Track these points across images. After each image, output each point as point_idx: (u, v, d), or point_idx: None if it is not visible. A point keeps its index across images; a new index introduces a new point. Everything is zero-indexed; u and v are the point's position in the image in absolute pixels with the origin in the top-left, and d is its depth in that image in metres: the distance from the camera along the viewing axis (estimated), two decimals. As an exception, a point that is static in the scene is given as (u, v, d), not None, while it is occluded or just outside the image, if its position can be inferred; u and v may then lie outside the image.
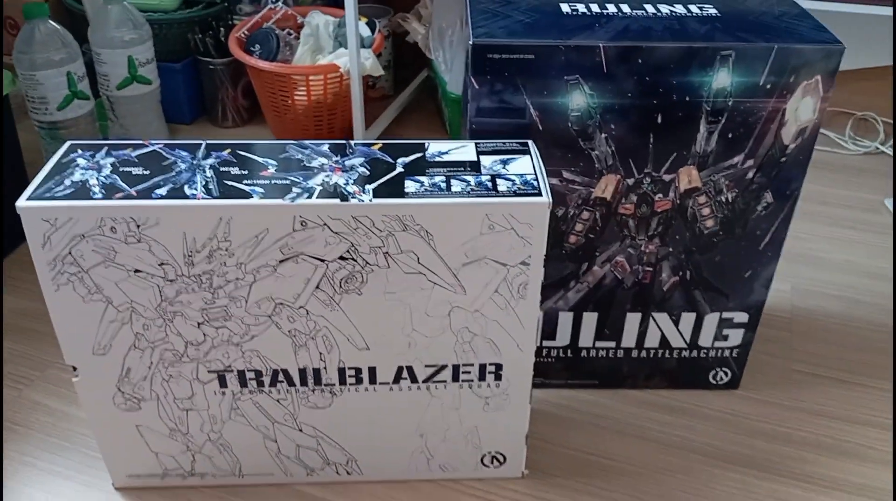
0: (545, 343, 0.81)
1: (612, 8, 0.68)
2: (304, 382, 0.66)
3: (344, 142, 0.63)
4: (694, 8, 0.69)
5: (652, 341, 0.80)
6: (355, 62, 1.19)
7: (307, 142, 0.63)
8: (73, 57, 1.10)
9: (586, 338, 0.80)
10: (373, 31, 1.32)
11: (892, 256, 1.07)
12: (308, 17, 1.33)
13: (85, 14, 1.29)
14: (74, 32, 1.13)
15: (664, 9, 0.68)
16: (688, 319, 0.78)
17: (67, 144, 0.63)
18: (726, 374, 0.83)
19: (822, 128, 1.37)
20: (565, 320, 0.78)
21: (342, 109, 1.30)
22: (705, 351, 0.81)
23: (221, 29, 1.34)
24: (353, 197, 0.56)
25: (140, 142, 0.63)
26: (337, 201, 0.56)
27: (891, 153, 1.32)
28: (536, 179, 0.59)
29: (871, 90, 1.41)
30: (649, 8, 0.69)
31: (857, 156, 1.33)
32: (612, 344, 0.81)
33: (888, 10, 1.21)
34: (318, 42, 1.31)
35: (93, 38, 1.18)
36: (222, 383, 0.66)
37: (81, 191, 0.57)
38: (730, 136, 0.66)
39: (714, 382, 0.84)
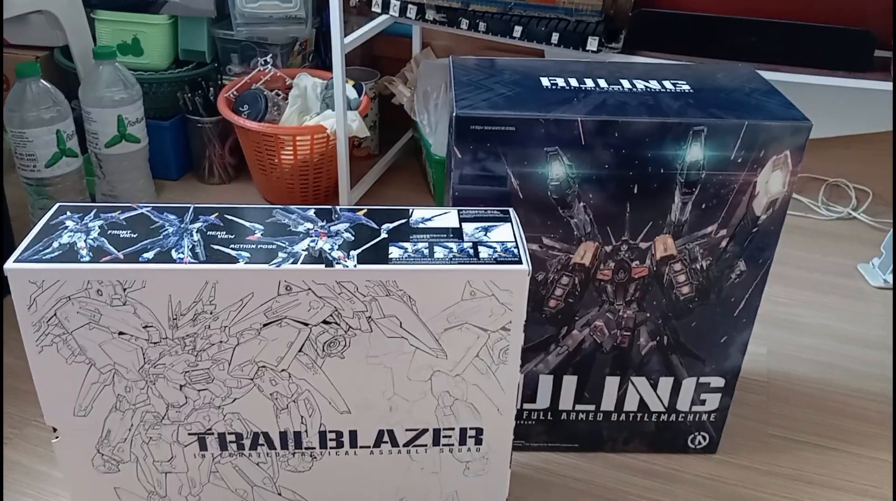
0: (525, 406, 0.81)
1: (589, 83, 0.71)
2: (284, 445, 0.66)
3: (329, 207, 0.65)
4: (668, 84, 0.72)
5: (631, 404, 0.81)
6: (342, 123, 1.22)
7: (293, 207, 0.64)
8: (63, 115, 1.11)
9: (566, 401, 0.81)
10: (359, 93, 1.35)
11: (892, 315, 1.09)
12: (296, 79, 1.36)
13: (76, 72, 1.31)
14: (65, 90, 1.15)
15: (640, 84, 0.71)
16: (666, 383, 0.79)
17: (56, 205, 0.64)
18: (704, 438, 0.84)
19: (796, 194, 1.41)
20: (545, 383, 0.79)
21: (328, 168, 1.32)
22: (683, 415, 0.82)
23: (211, 88, 1.37)
24: (337, 263, 0.58)
25: (129, 205, 0.64)
26: (322, 266, 0.57)
27: (862, 219, 1.36)
28: (517, 247, 0.60)
29: (843, 157, 1.46)
30: (625, 83, 0.71)
31: (830, 221, 1.36)
32: (592, 407, 0.81)
33: (858, 82, 1.26)
34: (306, 103, 1.34)
35: (83, 97, 1.19)
36: (202, 445, 0.66)
37: (69, 253, 0.58)
38: (703, 206, 0.68)
39: (692, 446, 0.85)
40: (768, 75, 0.75)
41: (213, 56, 1.43)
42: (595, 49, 1.13)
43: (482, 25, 1.18)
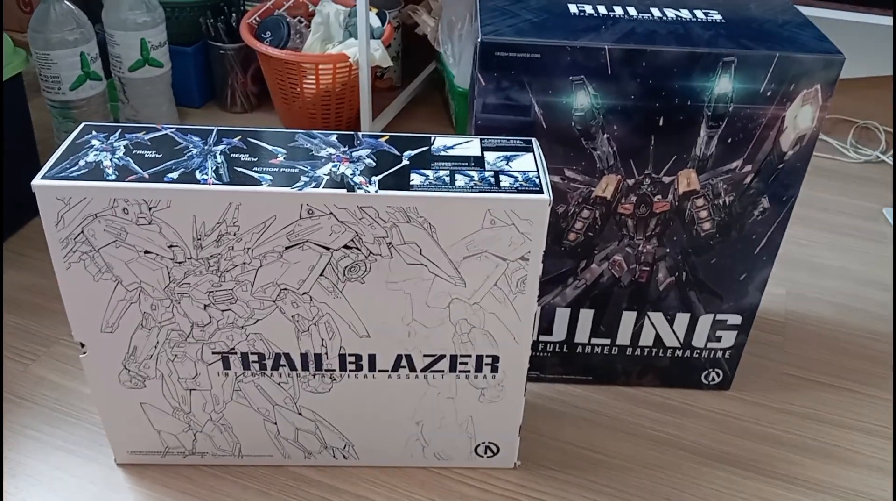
0: (542, 338, 0.82)
1: (618, 10, 0.70)
2: (305, 367, 0.68)
3: (352, 133, 0.65)
4: (699, 13, 0.70)
5: (646, 339, 0.82)
6: (365, 52, 1.21)
7: (316, 132, 0.64)
8: (86, 38, 1.11)
9: (582, 334, 0.82)
10: (383, 22, 1.33)
11: (893, 263, 1.09)
12: (319, 5, 1.34)
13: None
14: (88, 13, 1.14)
15: (670, 13, 0.70)
16: (682, 319, 0.80)
17: (82, 125, 0.65)
18: (718, 375, 0.85)
19: (824, 135, 1.38)
20: (562, 315, 0.80)
21: (350, 98, 1.31)
22: (698, 352, 0.83)
23: (233, 14, 1.35)
24: (359, 188, 0.58)
25: (153, 126, 0.65)
26: (343, 191, 0.58)
27: (891, 163, 1.33)
28: (538, 177, 0.60)
29: (874, 99, 1.42)
30: (655, 12, 0.70)
31: (857, 164, 1.34)
32: (608, 341, 0.82)
33: (892, 20, 1.22)
34: (329, 31, 1.32)
35: (106, 20, 1.19)
36: (226, 364, 0.67)
37: (95, 172, 0.59)
38: (729, 141, 0.67)
39: (706, 382, 0.86)
40: (805, 10, 0.73)
41: (235, -19, 1.41)
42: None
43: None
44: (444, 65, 1.37)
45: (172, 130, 0.64)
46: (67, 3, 1.09)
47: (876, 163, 1.34)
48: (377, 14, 1.33)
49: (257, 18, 1.33)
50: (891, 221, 1.18)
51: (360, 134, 0.65)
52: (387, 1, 1.49)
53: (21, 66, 1.02)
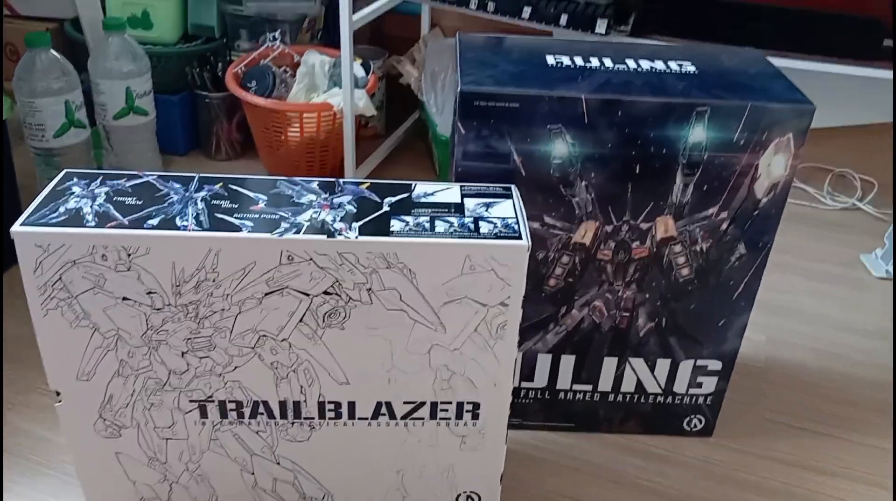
0: (523, 384, 0.82)
1: (595, 62, 0.71)
2: (283, 415, 0.67)
3: (333, 180, 0.65)
4: (673, 65, 0.72)
5: (628, 385, 0.82)
6: (349, 101, 1.22)
7: (297, 178, 0.65)
8: (71, 86, 1.12)
9: (564, 381, 0.81)
10: (367, 72, 1.35)
11: (893, 303, 1.10)
12: (304, 56, 1.36)
13: (86, 43, 1.31)
14: (74, 61, 1.15)
15: (645, 65, 0.71)
16: (663, 365, 0.80)
17: (63, 171, 0.65)
18: (700, 421, 0.85)
19: (801, 183, 1.41)
20: (544, 361, 0.80)
21: (334, 146, 1.33)
22: (680, 398, 0.83)
23: (219, 64, 1.37)
24: (339, 234, 0.58)
25: (134, 173, 0.65)
26: (323, 237, 0.58)
27: (867, 210, 1.36)
28: (517, 223, 0.61)
29: (848, 147, 1.45)
30: (631, 63, 0.72)
31: (834, 211, 1.36)
32: (589, 388, 0.82)
33: (867, 71, 1.25)
34: (314, 81, 1.34)
35: (92, 69, 1.20)
36: (203, 413, 0.67)
37: (75, 218, 0.59)
38: (705, 188, 0.68)
39: (688, 428, 0.85)
40: (777, 62, 0.75)
41: (222, 32, 1.43)
42: (604, 32, 1.13)
43: (491, 5, 1.18)
44: (428, 114, 1.39)
45: (154, 177, 0.64)
46: (53, 52, 1.11)
47: (852, 210, 1.37)
48: (361, 64, 1.36)
49: (243, 68, 1.35)
50: (868, 267, 1.20)
51: (341, 181, 0.65)
52: (371, 51, 1.52)
53: (6, 113, 1.02)
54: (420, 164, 1.48)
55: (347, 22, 1.16)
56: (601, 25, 1.14)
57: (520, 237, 0.59)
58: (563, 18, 1.15)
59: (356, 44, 1.20)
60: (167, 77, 1.36)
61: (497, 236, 0.59)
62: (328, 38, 1.52)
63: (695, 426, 0.85)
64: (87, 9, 1.29)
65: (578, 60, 0.72)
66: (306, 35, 1.48)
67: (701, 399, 0.83)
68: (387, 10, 1.32)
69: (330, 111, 1.26)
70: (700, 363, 0.80)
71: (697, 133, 0.66)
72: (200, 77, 1.36)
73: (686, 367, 0.80)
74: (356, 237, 0.58)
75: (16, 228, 0.57)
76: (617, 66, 0.71)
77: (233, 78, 1.32)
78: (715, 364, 0.80)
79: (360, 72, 1.33)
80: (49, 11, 1.44)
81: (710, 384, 0.81)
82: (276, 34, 1.41)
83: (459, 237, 0.59)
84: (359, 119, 1.44)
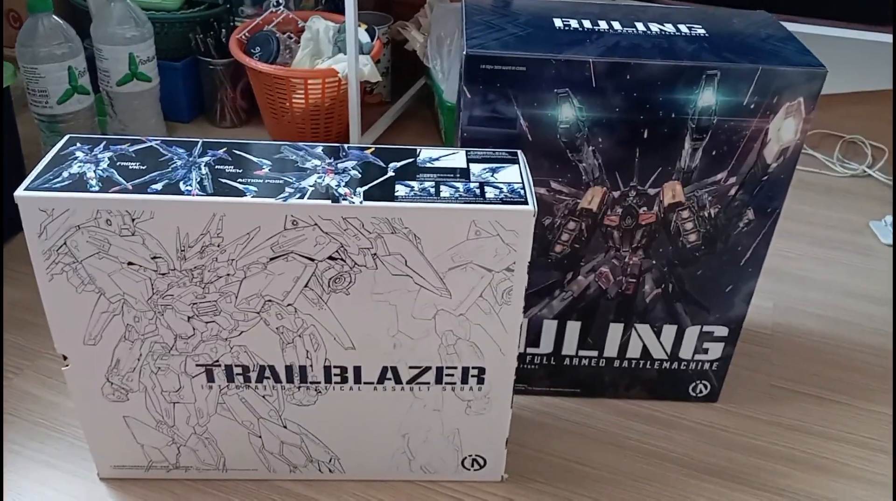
0: (529, 350, 0.82)
1: (603, 25, 0.70)
2: (290, 379, 0.67)
3: (338, 145, 0.65)
4: (683, 28, 0.70)
5: (634, 351, 0.82)
6: (353, 67, 1.21)
7: (301, 144, 0.64)
8: (74, 52, 1.11)
9: (569, 346, 0.82)
10: (372, 37, 1.34)
11: (893, 272, 1.09)
12: (309, 21, 1.34)
13: (88, 10, 1.30)
14: (77, 27, 1.14)
15: (654, 27, 0.70)
16: (669, 331, 0.80)
17: (67, 137, 0.65)
18: (706, 387, 0.85)
19: (811, 150, 1.40)
20: (549, 327, 0.80)
21: (339, 113, 1.32)
22: (685, 364, 0.83)
23: (223, 30, 1.36)
24: (343, 199, 0.58)
25: (138, 138, 0.64)
26: (328, 201, 0.58)
27: (877, 177, 1.34)
28: (523, 188, 0.60)
29: (860, 114, 1.44)
30: (640, 26, 0.70)
31: (844, 178, 1.35)
32: (595, 354, 0.82)
33: (879, 36, 1.23)
34: (318, 47, 1.33)
35: (95, 34, 1.19)
36: (210, 377, 0.67)
37: (79, 183, 0.58)
38: (713, 153, 0.68)
39: (694, 394, 0.86)
40: (789, 26, 0.74)
41: (225, -3, 1.41)
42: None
43: (498, -31, 1.16)
44: (434, 80, 1.38)
45: (157, 142, 0.64)
46: (56, 17, 1.09)
47: (862, 177, 1.35)
48: (366, 30, 1.34)
49: (247, 34, 1.33)
50: (877, 233, 1.19)
51: (345, 146, 0.65)
52: (376, 17, 1.50)
53: (10, 80, 1.02)
54: (426, 131, 1.47)
55: (352, -14, 1.15)
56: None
57: (526, 203, 0.59)
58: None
59: (361, 9, 1.19)
60: (170, 43, 1.34)
61: (503, 202, 0.59)
62: (333, 3, 1.50)
63: (700, 391, 0.85)
64: (89, -27, 1.27)
65: (586, 23, 0.70)
66: (310, 0, 1.46)
67: (707, 365, 0.83)
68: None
69: (335, 77, 1.25)
70: (706, 329, 0.79)
71: (707, 97, 0.65)
72: (204, 43, 1.35)
73: (692, 333, 0.80)
74: (361, 202, 0.58)
75: (19, 192, 0.57)
76: (626, 28, 0.70)
77: (236, 44, 1.30)
78: (721, 330, 0.80)
79: (364, 37, 1.32)
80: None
81: (716, 351, 0.81)
82: (280, -1, 1.39)
83: (465, 203, 0.58)
84: (364, 86, 1.42)
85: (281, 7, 1.37)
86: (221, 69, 1.36)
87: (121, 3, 1.17)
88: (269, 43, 1.29)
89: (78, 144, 0.63)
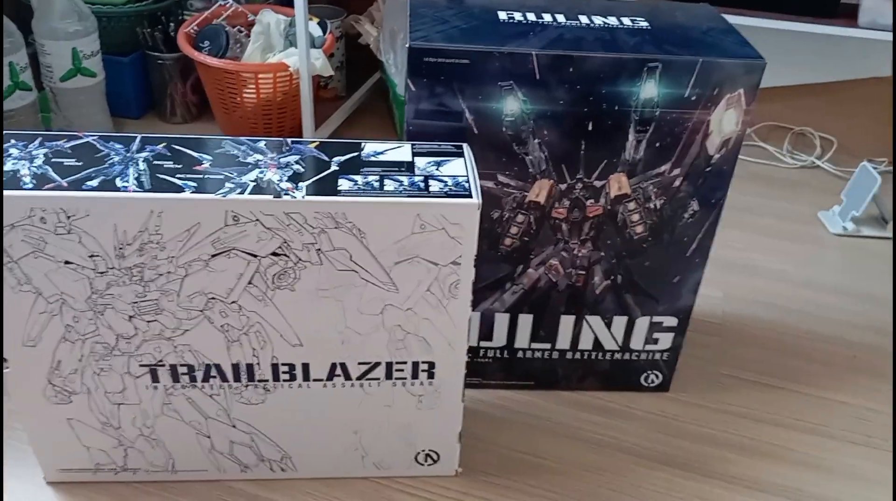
0: (482, 344, 0.82)
1: (547, 18, 0.70)
2: (237, 377, 0.66)
3: (280, 139, 0.64)
4: (626, 21, 0.71)
5: (585, 343, 0.82)
6: (305, 61, 1.20)
7: (244, 138, 0.63)
8: (15, 47, 1.08)
9: (522, 339, 0.82)
10: (324, 31, 1.32)
11: (893, 267, 1.11)
12: (259, 14, 1.32)
13: (30, 4, 1.27)
14: (19, 22, 1.11)
15: (597, 20, 0.70)
16: (619, 322, 0.80)
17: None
18: (657, 376, 0.86)
19: (761, 141, 1.42)
20: (501, 321, 0.80)
21: (292, 108, 1.30)
22: (636, 354, 0.83)
23: (171, 24, 1.33)
24: (285, 194, 0.57)
25: (74, 133, 0.63)
26: (269, 197, 0.57)
27: (826, 168, 1.37)
28: (468, 181, 0.60)
29: (809, 106, 1.46)
30: (583, 19, 0.71)
31: (793, 169, 1.37)
32: (548, 346, 0.82)
33: (827, 28, 1.26)
34: (269, 41, 1.31)
35: (37, 29, 1.16)
36: (154, 377, 0.66)
37: (12, 181, 0.57)
38: (657, 145, 0.68)
39: (645, 384, 0.86)
40: (735, 20, 0.75)
41: (174, -10, 1.39)
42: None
43: (449, -38, 1.15)
44: (387, 74, 1.37)
45: (94, 137, 0.62)
46: (-5, 11, 1.07)
47: (811, 168, 1.38)
48: (318, 23, 1.33)
49: (196, 28, 1.31)
50: (826, 223, 1.21)
51: (288, 140, 0.64)
52: (329, 10, 1.48)
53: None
54: (381, 125, 1.46)
55: (302, -21, 1.13)
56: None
57: (470, 195, 0.59)
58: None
59: (314, 2, 1.18)
60: (117, 38, 1.31)
61: (448, 195, 0.58)
62: (285, -4, 1.49)
63: (652, 381, 0.86)
64: (31, -34, 1.24)
65: (531, 16, 0.70)
66: (262, -7, 1.44)
67: (657, 355, 0.84)
68: (343, -33, 1.29)
69: (286, 71, 1.24)
70: (656, 319, 0.80)
71: (649, 89, 0.65)
72: (152, 37, 1.32)
73: (642, 324, 0.81)
74: (303, 197, 0.57)
75: (-52, 191, 0.55)
76: (569, 21, 0.70)
77: (185, 38, 1.28)
78: (671, 321, 0.80)
79: (316, 31, 1.30)
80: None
81: (666, 341, 0.82)
82: (231, -8, 1.37)
83: (409, 196, 0.58)
84: (317, 80, 1.41)
85: (230, 0, 1.35)
86: (170, 64, 1.33)
87: (64, -3, 1.15)
88: (218, 37, 1.27)
89: (12, 141, 0.62)
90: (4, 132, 0.63)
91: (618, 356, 0.83)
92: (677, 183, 0.70)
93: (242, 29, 1.33)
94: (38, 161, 0.59)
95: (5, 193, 0.56)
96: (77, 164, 0.59)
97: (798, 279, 1.08)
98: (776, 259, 1.12)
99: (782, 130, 1.46)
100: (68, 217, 0.56)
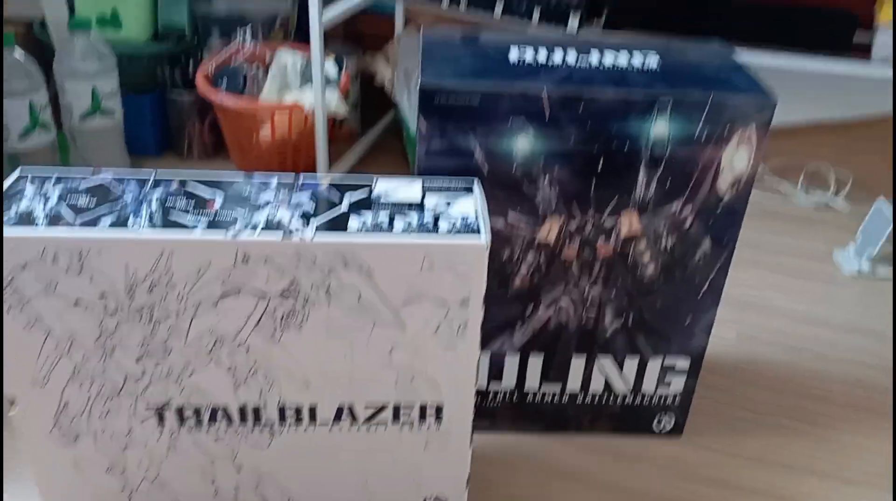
0: (492, 385, 0.81)
1: (558, 57, 0.71)
2: (243, 420, 0.66)
3: (292, 177, 0.64)
4: (637, 59, 0.71)
5: (596, 385, 0.81)
6: (320, 100, 1.21)
7: (257, 175, 0.64)
8: (35, 87, 1.10)
9: (532, 381, 0.81)
10: (340, 69, 1.34)
11: (893, 300, 1.10)
12: (276, 54, 1.35)
13: (52, 45, 1.29)
14: (42, 62, 1.13)
15: (608, 59, 0.71)
16: (631, 363, 0.79)
17: (17, 172, 0.63)
18: (670, 420, 0.84)
19: (776, 178, 1.41)
20: (512, 362, 0.79)
21: (307, 146, 1.31)
22: (648, 397, 0.82)
23: (190, 64, 1.36)
24: (295, 232, 0.57)
25: (90, 173, 0.63)
26: (279, 236, 0.57)
27: (841, 206, 1.36)
28: (478, 220, 0.60)
29: (824, 143, 1.46)
30: (594, 58, 0.71)
31: (808, 208, 1.36)
32: (558, 388, 0.81)
33: (842, 66, 1.26)
34: (286, 80, 1.33)
35: (58, 69, 1.18)
36: (160, 419, 0.65)
37: (26, 220, 0.57)
38: (668, 183, 0.68)
39: (658, 428, 0.85)
40: (751, 58, 0.75)
41: (193, 31, 1.41)
42: (577, 27, 1.12)
43: (463, 2, 1.17)
44: (401, 113, 1.38)
45: (109, 176, 0.63)
46: (17, 52, 1.09)
47: (826, 206, 1.37)
48: (335, 61, 1.34)
49: (214, 67, 1.33)
50: (840, 263, 1.20)
51: (300, 178, 0.64)
52: (345, 50, 1.50)
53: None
54: (395, 164, 1.47)
55: (317, 19, 1.15)
56: (574, 20, 1.13)
57: (479, 235, 0.58)
58: (536, 14, 1.15)
59: (329, 42, 1.19)
60: (137, 77, 1.34)
61: (456, 234, 0.58)
62: (301, 36, 1.51)
63: (665, 425, 0.85)
64: (53, 9, 1.27)
65: (541, 55, 0.71)
66: (279, 33, 1.46)
67: (670, 399, 0.82)
68: (360, 8, 1.31)
69: (302, 111, 1.25)
70: (668, 361, 0.79)
71: (660, 127, 0.65)
72: (171, 77, 1.34)
73: (654, 365, 0.79)
74: (312, 236, 0.57)
75: (-39, 230, 0.56)
76: (580, 60, 0.70)
77: (203, 78, 1.30)
78: (683, 362, 0.79)
79: (332, 70, 1.32)
80: (18, 11, 1.42)
81: (678, 383, 0.81)
82: (248, 33, 1.39)
83: (417, 235, 0.58)
84: (333, 119, 1.43)
85: (249, 40, 1.38)
86: (189, 103, 1.35)
87: (84, 38, 1.17)
88: (235, 76, 1.29)
89: (28, 180, 0.62)
90: (23, 170, 0.64)
91: (629, 399, 0.82)
92: (688, 222, 0.70)
93: (260, 68, 1.35)
94: (53, 200, 0.60)
95: (19, 231, 0.56)
96: (91, 203, 0.59)
97: (813, 319, 1.07)
98: (790, 298, 1.11)
99: (797, 167, 1.46)
100: (80, 256, 0.57)
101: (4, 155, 1.13)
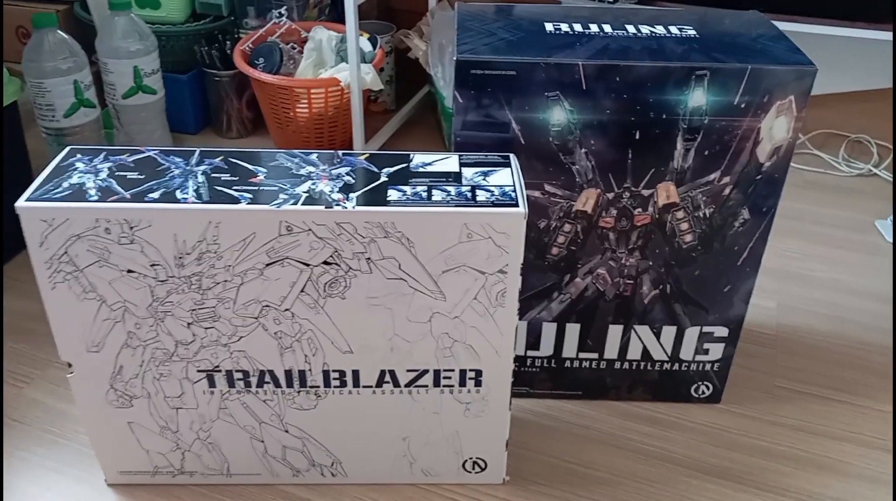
0: (529, 353, 0.82)
1: (594, 28, 0.71)
2: (289, 383, 0.68)
3: (332, 152, 0.66)
4: (673, 29, 0.71)
5: (634, 353, 0.82)
6: (355, 76, 1.22)
7: (297, 151, 0.65)
8: (80, 66, 1.13)
9: (570, 349, 0.82)
10: (374, 46, 1.35)
11: (893, 271, 1.09)
12: (312, 31, 1.36)
13: (93, 24, 1.32)
14: (83, 42, 1.16)
15: (644, 29, 0.71)
16: (669, 332, 0.80)
17: (68, 148, 0.66)
18: (708, 388, 0.85)
19: (816, 149, 1.39)
20: (549, 330, 0.80)
21: (343, 122, 1.33)
22: (687, 365, 0.83)
23: (227, 42, 1.37)
24: (337, 204, 0.59)
25: (137, 148, 0.66)
26: (321, 207, 0.58)
27: (883, 176, 1.34)
28: (515, 191, 0.61)
29: (865, 113, 1.43)
30: (630, 28, 0.71)
31: (850, 177, 1.34)
32: (595, 356, 0.82)
33: (881, 34, 1.23)
34: (321, 56, 1.34)
35: (100, 48, 1.21)
36: (211, 382, 0.68)
37: (78, 193, 0.60)
38: (706, 153, 0.68)
39: (696, 395, 0.86)
40: (786, 26, 0.74)
41: (229, 9, 1.43)
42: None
43: (496, -25, 1.17)
44: (436, 87, 1.39)
45: (156, 151, 0.65)
46: (61, 32, 1.11)
47: (868, 176, 1.35)
48: (368, 39, 1.35)
49: (250, 45, 1.35)
50: (883, 232, 1.18)
51: (340, 152, 0.65)
52: (379, 26, 1.51)
53: (16, 94, 1.04)
54: (430, 138, 1.47)
55: (352, -5, 1.16)
56: (608, -7, 1.13)
57: (517, 205, 0.59)
58: (570, -13, 1.14)
59: (363, 19, 1.20)
60: (176, 56, 1.36)
61: (494, 204, 0.59)
62: (336, 13, 1.52)
63: (702, 392, 0.85)
64: (95, -12, 1.29)
65: (577, 27, 0.71)
66: (314, 10, 1.47)
67: (708, 366, 0.83)
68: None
69: (337, 86, 1.26)
70: (706, 329, 0.80)
71: (697, 97, 0.65)
72: (209, 55, 1.36)
73: (692, 334, 0.80)
74: (354, 207, 0.58)
75: (20, 203, 0.58)
76: (616, 31, 0.70)
77: (240, 55, 1.32)
78: (721, 331, 0.80)
79: (366, 46, 1.33)
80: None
81: (716, 351, 0.81)
82: (283, 10, 1.40)
83: (456, 206, 0.59)
84: (368, 94, 1.44)
85: (284, 18, 1.39)
86: (227, 81, 1.37)
87: (124, 18, 1.19)
88: (272, 54, 1.31)
89: (78, 155, 0.65)
90: (72, 147, 0.66)
91: (667, 366, 0.83)
92: (727, 191, 0.70)
93: (296, 46, 1.37)
94: (103, 174, 0.62)
95: (71, 204, 0.58)
96: (139, 177, 0.61)
97: (854, 289, 1.06)
98: (832, 268, 1.10)
99: (838, 137, 1.43)
100: (131, 228, 0.59)
101: (52, 132, 1.16)
